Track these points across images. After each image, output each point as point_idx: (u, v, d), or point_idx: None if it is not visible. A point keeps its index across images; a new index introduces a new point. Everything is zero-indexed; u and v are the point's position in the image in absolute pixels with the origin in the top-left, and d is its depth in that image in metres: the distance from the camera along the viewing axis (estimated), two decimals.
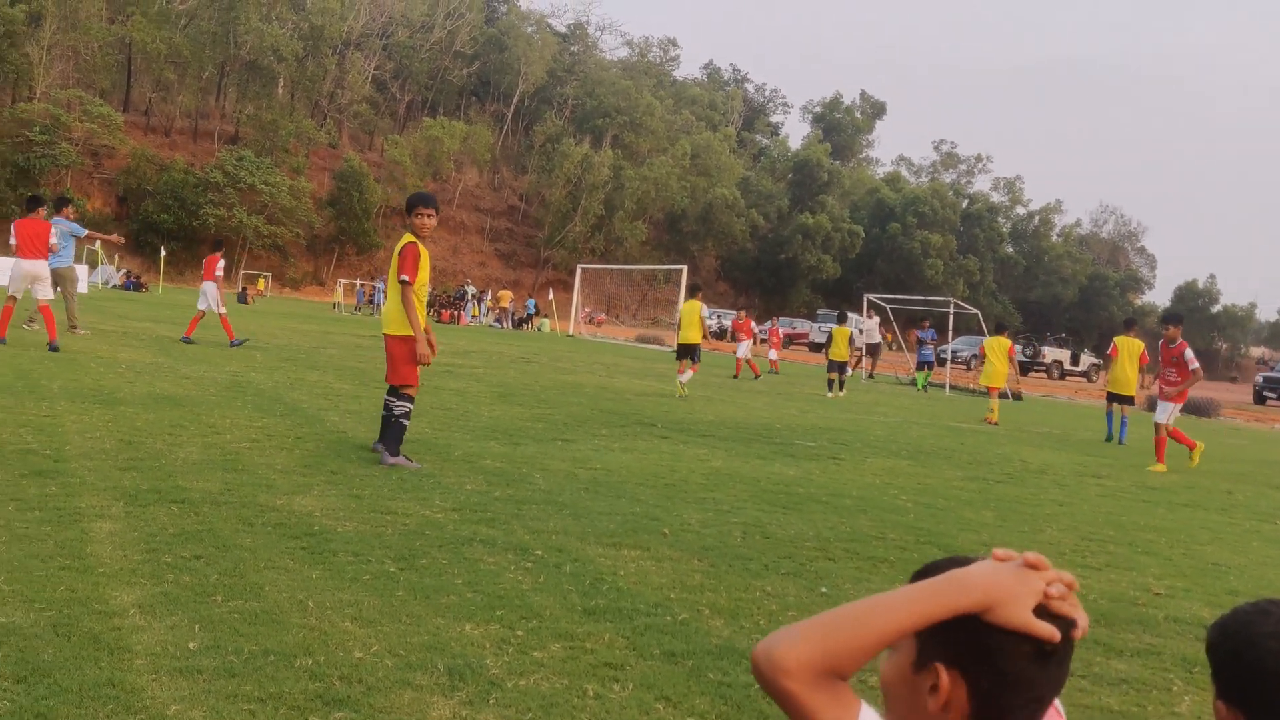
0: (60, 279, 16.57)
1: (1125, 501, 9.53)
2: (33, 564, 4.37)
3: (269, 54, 66.42)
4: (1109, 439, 16.64)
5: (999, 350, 19.05)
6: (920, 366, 28.53)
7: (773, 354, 30.04)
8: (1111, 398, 16.65)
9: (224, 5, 65.86)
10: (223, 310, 18.42)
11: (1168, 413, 12.92)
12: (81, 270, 36.99)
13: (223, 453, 7.38)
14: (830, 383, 21.53)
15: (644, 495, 7.33)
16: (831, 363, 21.67)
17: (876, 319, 31.95)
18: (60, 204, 17.28)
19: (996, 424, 17.42)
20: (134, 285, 44.78)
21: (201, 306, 18.38)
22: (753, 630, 4.43)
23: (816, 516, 7.17)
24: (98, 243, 49.17)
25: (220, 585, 4.33)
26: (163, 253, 49.15)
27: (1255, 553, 7.52)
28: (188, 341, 17.46)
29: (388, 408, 7.78)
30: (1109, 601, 5.54)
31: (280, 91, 71.18)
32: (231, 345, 17.35)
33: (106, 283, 44.06)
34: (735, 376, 24.61)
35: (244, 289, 46.95)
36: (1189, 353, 12.88)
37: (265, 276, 59.72)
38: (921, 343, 28.35)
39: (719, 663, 3.97)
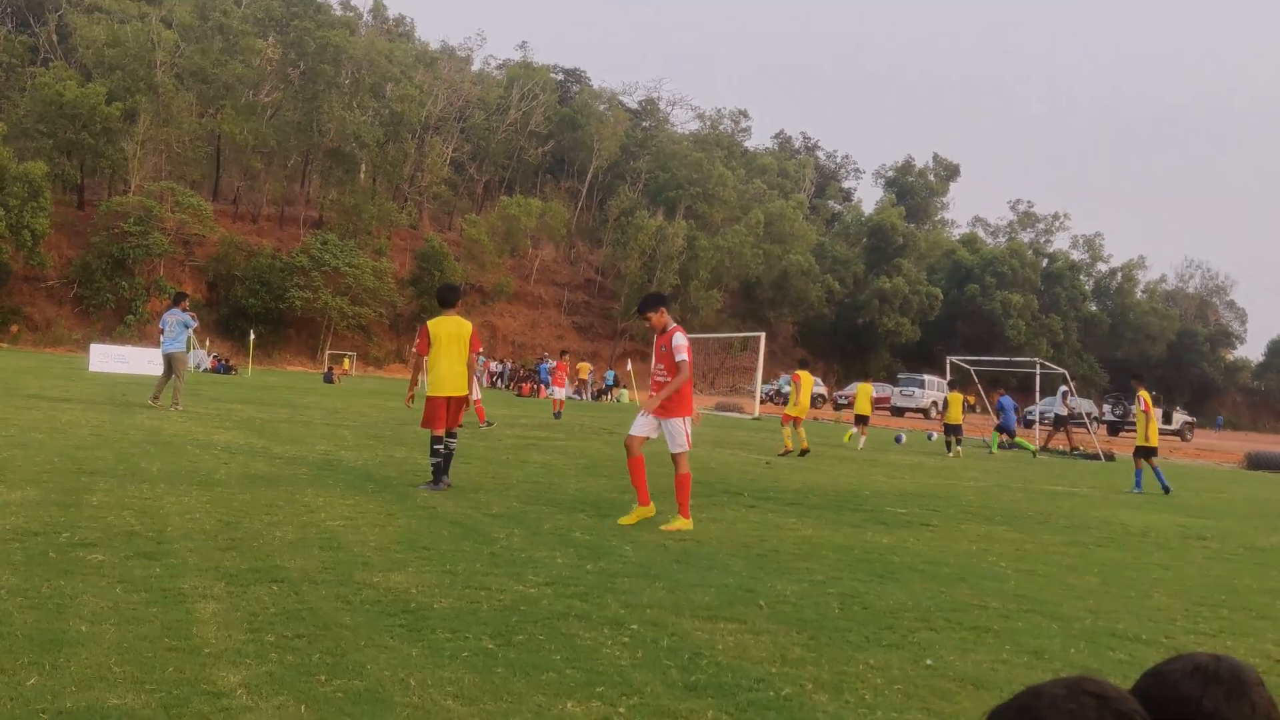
0: (172, 361, 19.40)
1: (1234, 564, 9.17)
2: (141, 645, 4.44)
3: (351, 141, 68.54)
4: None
5: (806, 384, 20.53)
6: (1001, 430, 27.89)
7: (559, 393, 28.83)
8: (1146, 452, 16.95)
9: (308, 95, 68.31)
10: (476, 396, 19.80)
11: None
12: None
13: (318, 531, 7.47)
14: (948, 444, 23.97)
15: (736, 566, 7.24)
16: (948, 426, 24.37)
17: (1064, 389, 31.25)
18: (178, 299, 20.25)
19: (789, 451, 19.07)
20: (224, 369, 45.97)
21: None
22: (858, 705, 4.32)
23: (915, 585, 7.01)
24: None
25: (323, 664, 4.35)
26: (251, 336, 50.56)
27: None
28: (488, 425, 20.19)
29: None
30: None
31: (362, 176, 73.26)
32: (481, 427, 19.58)
33: (198, 366, 45.30)
34: (557, 415, 26.53)
35: (329, 369, 47.89)
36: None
37: (350, 356, 60.93)
38: (1002, 409, 27.91)
39: None
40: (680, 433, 9.19)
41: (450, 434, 10.61)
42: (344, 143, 68.91)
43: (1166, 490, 16.36)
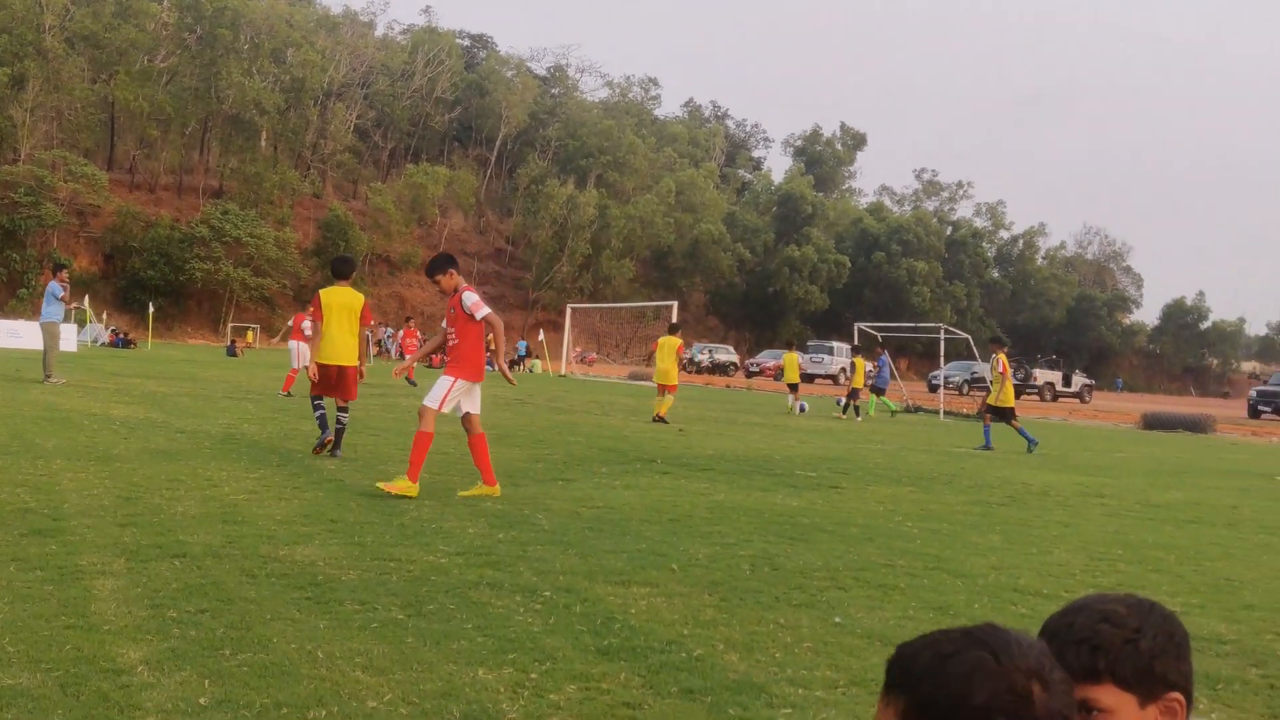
0: (41, 332, 18.87)
1: (1130, 520, 9.49)
2: (37, 624, 4.30)
3: (251, 107, 66.69)
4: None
5: (668, 350, 20.10)
6: (875, 391, 28.04)
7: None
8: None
9: (205, 61, 66.21)
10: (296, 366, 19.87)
11: None
12: (69, 329, 36.97)
13: (221, 505, 7.31)
14: (846, 405, 24.89)
15: (649, 531, 7.27)
16: (851, 389, 25.19)
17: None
18: (56, 269, 19.70)
19: (664, 419, 18.69)
20: (123, 342, 44.66)
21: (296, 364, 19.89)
22: (768, 664, 4.37)
23: (824, 546, 7.11)
24: (85, 300, 49.14)
25: (227, 639, 4.26)
26: (150, 309, 49.12)
27: (1266, 566, 7.48)
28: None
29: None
30: None
31: (263, 144, 71.43)
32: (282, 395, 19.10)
33: (95, 340, 43.92)
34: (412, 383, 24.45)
35: (232, 341, 46.83)
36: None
37: (253, 329, 59.66)
38: (880, 368, 28.06)
39: (738, 698, 3.91)
40: (441, 389, 8.55)
41: (342, 408, 10.83)
42: (244, 110, 67.01)
43: (1031, 446, 16.83)
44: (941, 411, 29.19)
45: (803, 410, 25.77)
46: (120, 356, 34.39)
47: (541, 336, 51.25)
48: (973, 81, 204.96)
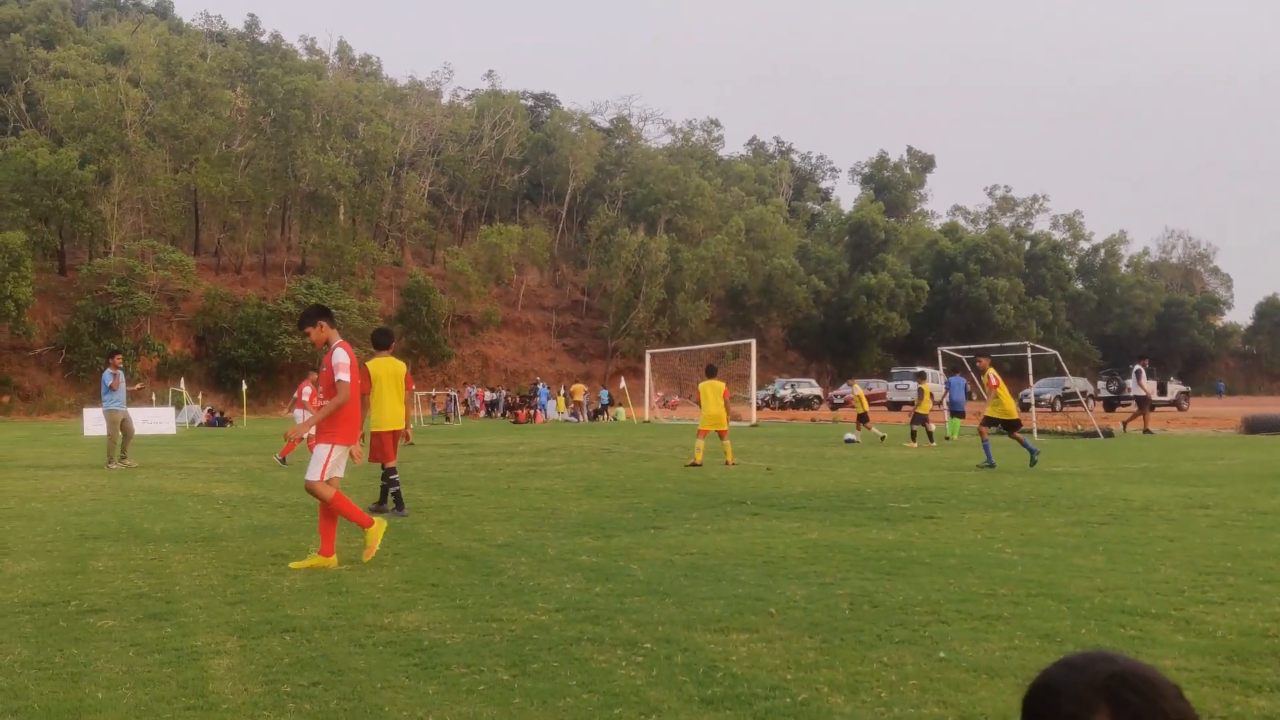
0: (104, 419, 19.73)
1: (1238, 530, 9.21)
2: (159, 707, 4.45)
3: (328, 183, 68.61)
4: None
5: (713, 394, 18.53)
6: (952, 414, 27.41)
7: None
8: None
9: (280, 142, 68.39)
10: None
11: None
12: (167, 412, 38.13)
13: (325, 577, 7.48)
14: (913, 434, 24.03)
15: (744, 575, 7.27)
16: (916, 415, 24.49)
17: (1138, 368, 30.72)
18: (110, 355, 20.31)
19: (729, 463, 17.85)
20: (219, 421, 45.89)
21: None
22: (874, 704, 4.35)
23: (923, 579, 7.04)
24: (181, 383, 50.65)
25: (341, 710, 4.37)
26: (244, 386, 50.51)
27: None
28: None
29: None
30: (1238, 636, 5.34)
31: (341, 217, 73.33)
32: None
33: (193, 421, 45.20)
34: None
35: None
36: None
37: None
38: (950, 387, 27.37)
39: None
40: (319, 461, 8.08)
41: (391, 469, 11.55)
42: (320, 186, 68.97)
43: (1034, 458, 16.42)
44: (1035, 431, 28.60)
45: (850, 441, 25.33)
46: (217, 435, 35.35)
47: (623, 384, 51.47)
48: (1037, 92, 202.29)
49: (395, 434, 11.64)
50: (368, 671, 4.95)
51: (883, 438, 25.59)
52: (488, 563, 7.97)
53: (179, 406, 45.33)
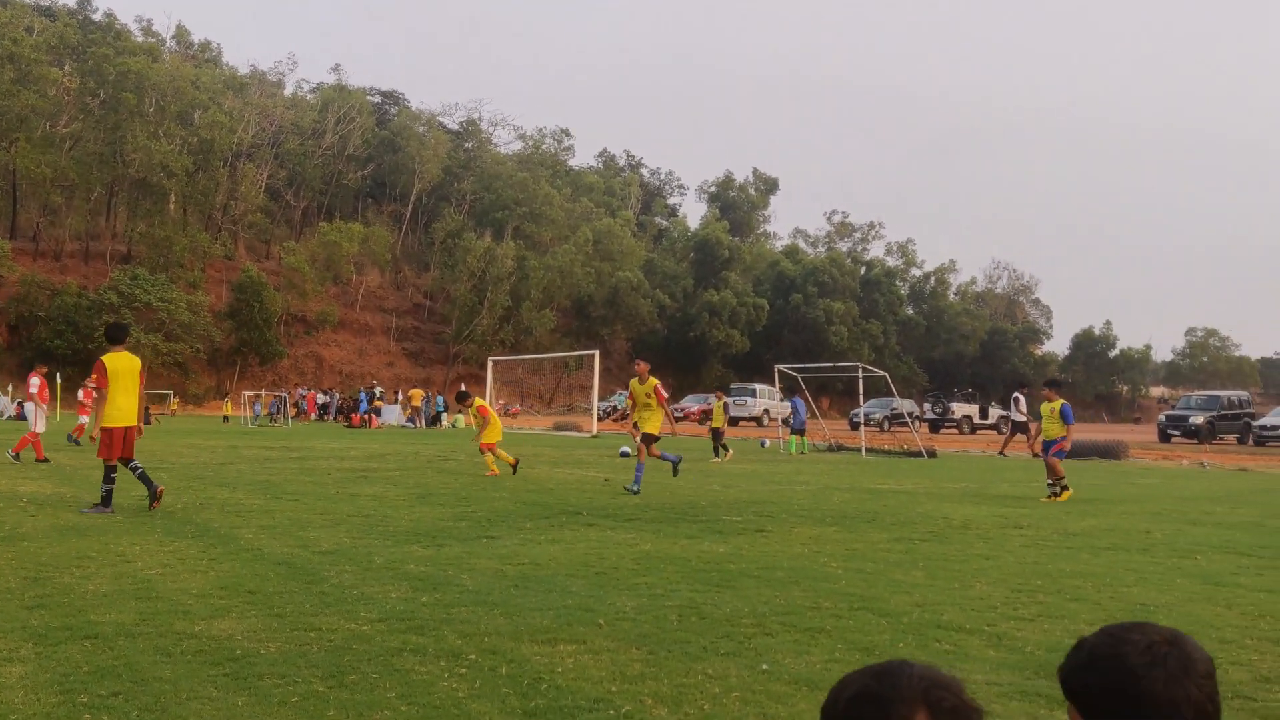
0: None
1: (1049, 550, 9.66)
2: None
3: (158, 170, 65.71)
4: None
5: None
6: (794, 431, 28.62)
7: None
8: None
9: (109, 125, 65.16)
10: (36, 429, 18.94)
11: None
12: None
13: (134, 581, 7.09)
14: (715, 449, 24.34)
15: (575, 586, 7.22)
16: (714, 430, 24.98)
17: (1017, 395, 31.53)
18: None
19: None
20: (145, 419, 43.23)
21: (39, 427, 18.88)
22: (697, 716, 4.36)
23: (750, 592, 7.13)
24: None
25: None
26: (58, 379, 47.71)
27: (1179, 590, 7.66)
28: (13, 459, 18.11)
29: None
30: (1045, 651, 5.58)
31: (172, 207, 70.34)
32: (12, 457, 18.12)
33: (1, 414, 42.52)
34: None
35: (146, 409, 45.63)
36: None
37: (167, 394, 58.27)
38: (794, 409, 28.78)
39: None
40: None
41: (126, 461, 11.33)
42: (151, 173, 65.99)
43: (676, 467, 16.72)
44: (864, 449, 29.54)
45: (764, 445, 26.27)
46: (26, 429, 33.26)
47: (464, 389, 50.82)
48: (878, 123, 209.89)
49: (130, 429, 11.42)
50: (173, 681, 4.69)
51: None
52: (310, 570, 7.70)
53: None
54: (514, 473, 17.48)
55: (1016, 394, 31.99)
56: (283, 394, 51.67)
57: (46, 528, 9.69)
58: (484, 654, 5.28)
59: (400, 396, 55.34)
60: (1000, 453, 29.78)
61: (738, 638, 5.77)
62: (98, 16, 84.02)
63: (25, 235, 68.66)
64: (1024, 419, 29.60)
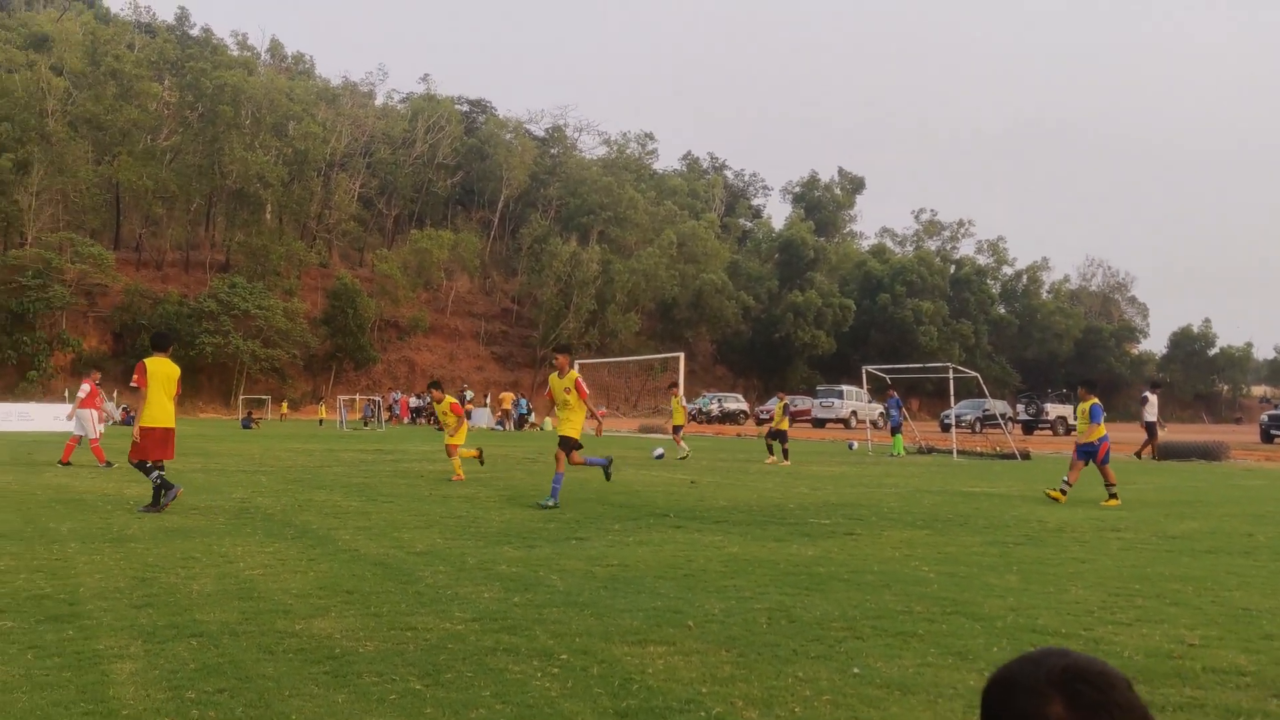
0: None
1: (1148, 553, 9.43)
2: (55, 712, 4.30)
3: (255, 181, 67.51)
4: None
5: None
6: (893, 432, 29.05)
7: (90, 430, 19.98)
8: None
9: (208, 138, 67.14)
10: (93, 435, 19.56)
11: None
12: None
13: (237, 581, 7.31)
14: (769, 448, 23.87)
15: (664, 588, 7.25)
16: (771, 431, 24.09)
17: (1145, 395, 30.92)
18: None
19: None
20: (134, 421, 44.72)
21: (78, 432, 19.58)
22: (787, 718, 4.35)
23: (840, 595, 7.09)
24: (98, 378, 49.27)
25: (246, 718, 4.26)
26: None
27: None
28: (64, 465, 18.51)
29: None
30: (1144, 657, 5.45)
31: (268, 216, 72.21)
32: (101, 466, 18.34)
33: (108, 420, 44.01)
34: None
35: (248, 413, 46.88)
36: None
37: (264, 399, 59.73)
38: (887, 410, 29.10)
39: None
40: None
41: (159, 465, 11.87)
42: (247, 183, 67.84)
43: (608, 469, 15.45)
44: (955, 451, 29.10)
45: (852, 448, 26.19)
46: (131, 435, 34.40)
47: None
48: (967, 118, 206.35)
49: (167, 431, 11.92)
50: (276, 679, 4.84)
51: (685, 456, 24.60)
52: (405, 570, 7.86)
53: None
54: (480, 463, 17.79)
55: (1146, 394, 31.21)
56: (376, 398, 52.63)
57: (152, 529, 10.03)
58: (575, 654, 5.35)
59: (489, 400, 56.01)
60: (1136, 454, 28.95)
61: (828, 641, 5.75)
62: (195, 32, 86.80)
63: (129, 246, 71.10)
64: (1154, 420, 28.85)
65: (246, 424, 42.90)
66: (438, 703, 4.49)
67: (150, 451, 11.67)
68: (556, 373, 13.57)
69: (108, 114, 64.20)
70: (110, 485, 14.55)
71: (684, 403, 26.02)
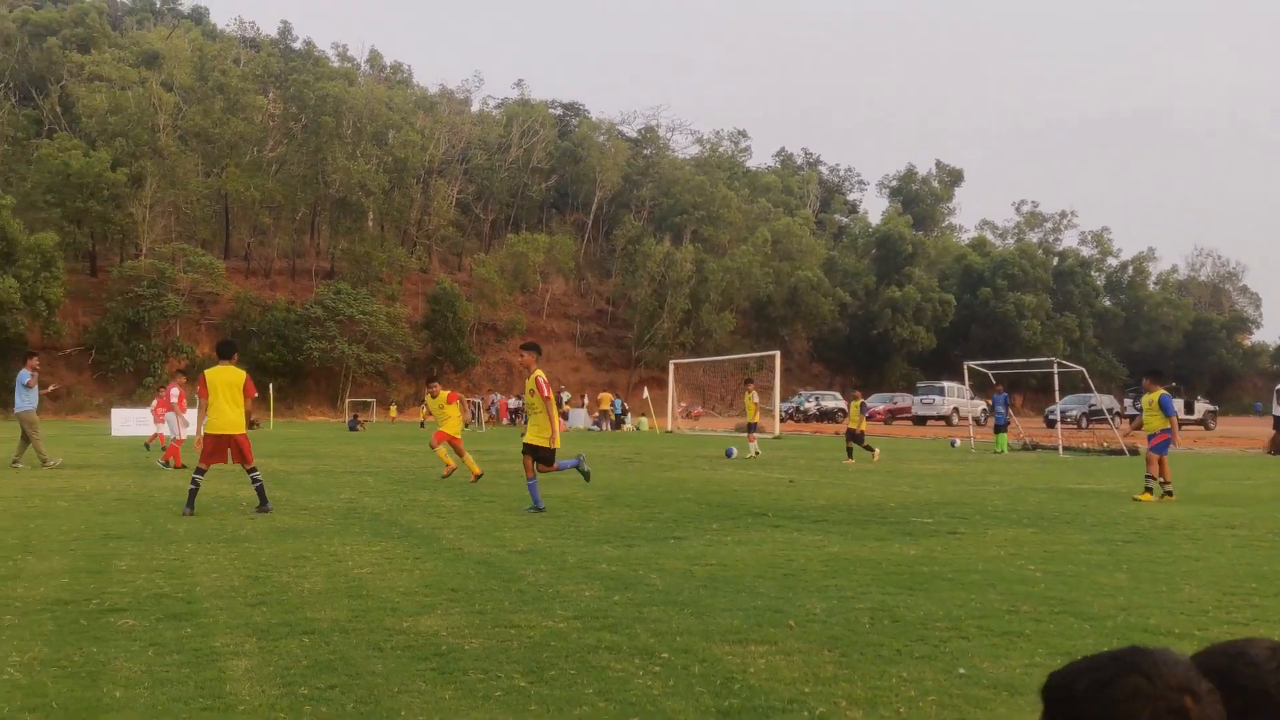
0: (19, 422, 19.23)
1: (1264, 551, 9.10)
2: (176, 707, 4.47)
3: (357, 190, 69.02)
4: None
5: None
6: (997, 430, 28.62)
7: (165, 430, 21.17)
8: None
9: (311, 148, 68.86)
10: (177, 436, 20.10)
11: None
12: (193, 414, 38.33)
13: (346, 580, 7.51)
14: (849, 450, 23.04)
15: (764, 588, 7.24)
16: (849, 432, 23.56)
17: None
18: (27, 356, 19.84)
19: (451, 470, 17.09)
20: (247, 425, 46.06)
21: (167, 432, 20.18)
22: (893, 719, 4.32)
23: (944, 595, 6.99)
24: None
25: (358, 713, 4.38)
26: (271, 390, 50.82)
27: None
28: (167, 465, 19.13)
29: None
30: None
31: (370, 224, 73.72)
32: (163, 466, 19.06)
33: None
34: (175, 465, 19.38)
35: (354, 416, 47.98)
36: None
37: (369, 402, 61.04)
38: (993, 407, 28.69)
39: None
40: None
41: (250, 470, 12.32)
42: (350, 192, 69.39)
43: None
44: (1060, 447, 28.41)
45: (955, 445, 25.91)
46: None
47: (646, 394, 51.46)
48: (1067, 107, 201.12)
49: (230, 438, 12.14)
50: (385, 675, 4.96)
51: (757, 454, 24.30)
52: (507, 569, 7.98)
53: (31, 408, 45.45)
54: (444, 477, 16.93)
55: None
56: (476, 399, 53.43)
57: (264, 529, 10.34)
58: (676, 653, 5.37)
59: (586, 400, 56.44)
60: (1269, 451, 27.91)
61: (932, 641, 5.68)
62: (298, 45, 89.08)
63: (238, 255, 73.32)
64: None
65: (353, 426, 43.89)
66: (542, 700, 4.55)
67: (206, 456, 12.10)
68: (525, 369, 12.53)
69: (216, 127, 66.28)
70: (224, 488, 15.03)
71: (757, 400, 25.51)
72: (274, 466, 19.95)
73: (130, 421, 34.16)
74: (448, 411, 17.81)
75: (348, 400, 59.59)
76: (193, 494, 11.87)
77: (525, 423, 13.63)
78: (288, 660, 5.25)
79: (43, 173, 60.02)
